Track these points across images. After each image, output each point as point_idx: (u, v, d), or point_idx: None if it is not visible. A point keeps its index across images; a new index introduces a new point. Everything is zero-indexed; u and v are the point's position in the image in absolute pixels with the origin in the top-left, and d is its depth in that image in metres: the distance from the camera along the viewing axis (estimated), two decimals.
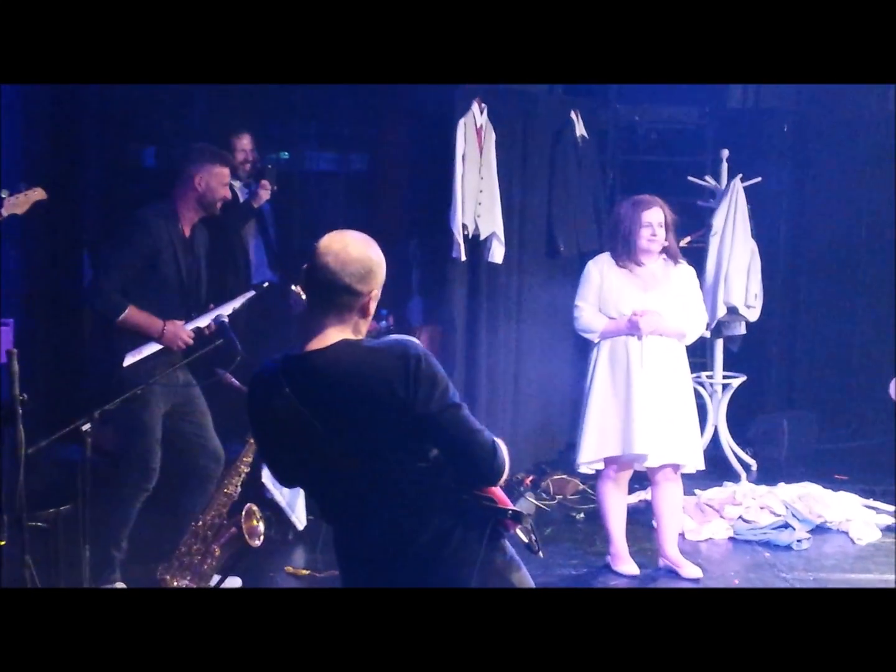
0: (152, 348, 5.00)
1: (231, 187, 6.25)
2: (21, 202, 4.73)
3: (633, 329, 5.40)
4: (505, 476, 2.95)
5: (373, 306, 2.99)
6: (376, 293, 2.98)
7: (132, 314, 4.94)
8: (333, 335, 2.94)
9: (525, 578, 3.13)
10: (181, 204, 5.10)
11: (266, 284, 5.34)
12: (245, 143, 6.48)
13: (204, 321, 5.05)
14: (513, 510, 3.00)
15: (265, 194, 6.22)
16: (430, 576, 2.95)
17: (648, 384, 5.40)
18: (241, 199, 6.27)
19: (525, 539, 3.10)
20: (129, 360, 4.96)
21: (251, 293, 5.20)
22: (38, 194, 4.80)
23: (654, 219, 5.41)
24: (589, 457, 5.49)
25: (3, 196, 4.67)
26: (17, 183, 4.82)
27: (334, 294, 2.92)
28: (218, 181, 5.10)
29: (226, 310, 5.05)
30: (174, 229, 5.07)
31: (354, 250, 2.94)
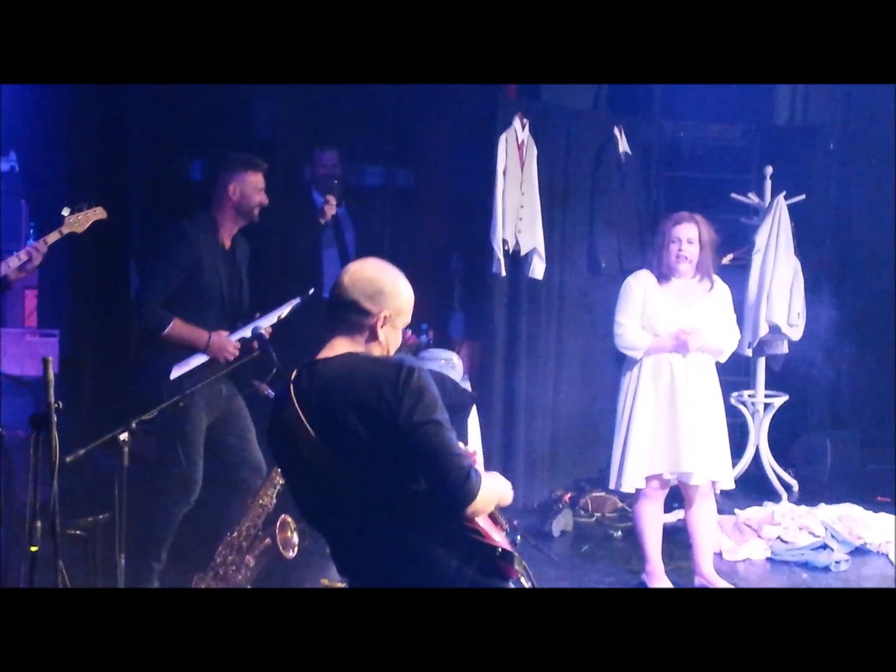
0: (199, 360, 5.02)
1: (311, 201, 6.37)
2: (81, 221, 4.83)
3: (680, 347, 5.39)
4: (475, 507, 2.92)
5: (383, 331, 3.03)
6: (389, 317, 3.03)
7: (177, 327, 4.98)
8: (341, 348, 3.04)
9: None
10: (219, 214, 5.13)
11: (311, 291, 5.33)
12: (328, 158, 6.57)
13: (249, 331, 5.05)
14: (502, 550, 2.99)
15: (330, 210, 6.27)
16: None
17: (692, 401, 5.40)
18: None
19: (526, 587, 3.08)
20: (175, 372, 4.99)
21: (296, 300, 5.16)
22: (98, 214, 4.88)
23: (685, 235, 5.39)
24: (635, 476, 5.45)
25: (65, 214, 4.78)
26: (78, 201, 4.88)
27: (343, 309, 3.03)
28: (252, 187, 5.11)
29: (271, 319, 5.05)
30: (213, 240, 5.10)
31: (369, 271, 3.07)
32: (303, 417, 2.95)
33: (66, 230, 4.80)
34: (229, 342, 5.03)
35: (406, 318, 3.11)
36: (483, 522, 3.02)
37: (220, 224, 5.14)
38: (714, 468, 5.44)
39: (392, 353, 3.10)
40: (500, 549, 2.99)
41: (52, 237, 4.77)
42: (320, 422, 2.95)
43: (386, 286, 3.04)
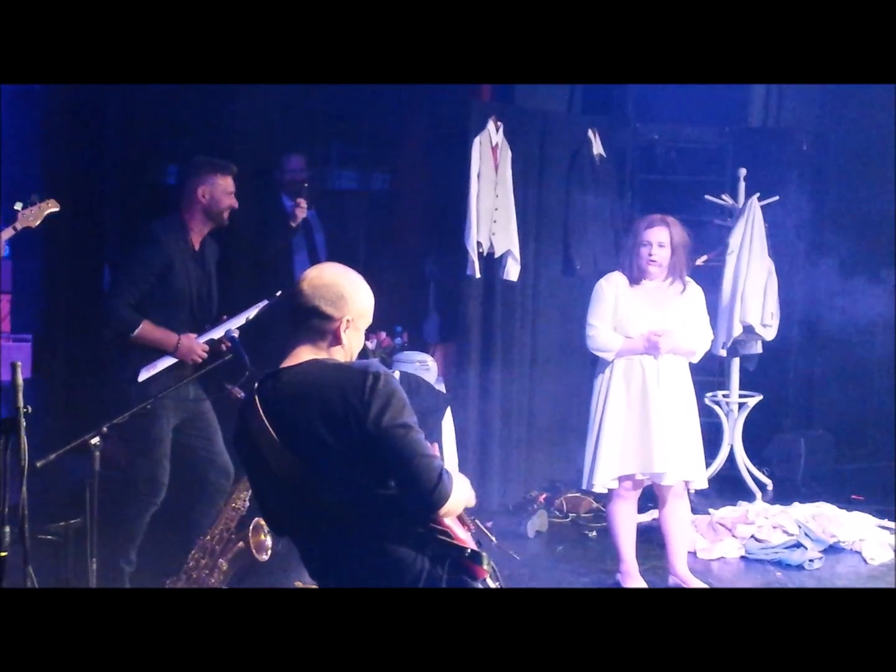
0: (167, 362, 5.04)
1: (281, 205, 6.35)
2: (35, 214, 4.80)
3: (651, 349, 5.41)
4: (447, 508, 2.94)
5: (346, 335, 3.04)
6: (351, 321, 3.04)
7: (147, 329, 4.99)
8: (305, 355, 3.04)
9: None
10: (189, 217, 5.15)
11: (279, 293, 5.33)
12: (295, 163, 6.56)
13: (217, 333, 5.06)
14: (471, 550, 3.00)
15: (301, 213, 6.22)
16: None
17: (664, 402, 5.42)
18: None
19: (493, 587, 3.09)
20: (143, 374, 5.00)
21: (264, 303, 5.18)
22: (51, 206, 4.85)
23: (655, 238, 5.40)
24: (606, 476, 5.48)
25: (17, 209, 4.75)
26: (30, 195, 4.86)
27: (304, 316, 3.04)
28: (221, 191, 5.14)
29: (239, 321, 5.07)
30: (184, 243, 5.12)
31: (328, 276, 3.08)
32: (269, 427, 2.96)
33: (20, 225, 4.79)
34: (198, 344, 5.05)
35: (368, 320, 3.12)
36: (451, 523, 3.04)
37: (190, 227, 5.15)
38: (686, 468, 5.47)
39: (356, 355, 3.11)
40: (468, 550, 3.01)
41: (7, 234, 4.76)
42: (286, 431, 2.95)
43: (346, 290, 3.05)
